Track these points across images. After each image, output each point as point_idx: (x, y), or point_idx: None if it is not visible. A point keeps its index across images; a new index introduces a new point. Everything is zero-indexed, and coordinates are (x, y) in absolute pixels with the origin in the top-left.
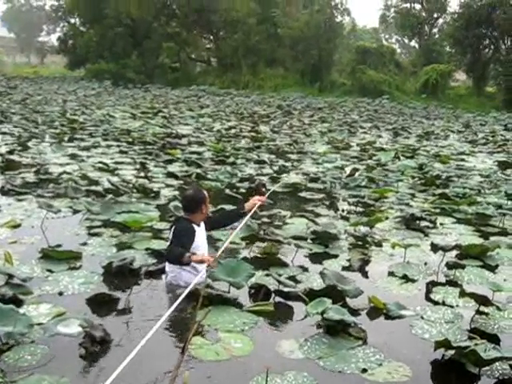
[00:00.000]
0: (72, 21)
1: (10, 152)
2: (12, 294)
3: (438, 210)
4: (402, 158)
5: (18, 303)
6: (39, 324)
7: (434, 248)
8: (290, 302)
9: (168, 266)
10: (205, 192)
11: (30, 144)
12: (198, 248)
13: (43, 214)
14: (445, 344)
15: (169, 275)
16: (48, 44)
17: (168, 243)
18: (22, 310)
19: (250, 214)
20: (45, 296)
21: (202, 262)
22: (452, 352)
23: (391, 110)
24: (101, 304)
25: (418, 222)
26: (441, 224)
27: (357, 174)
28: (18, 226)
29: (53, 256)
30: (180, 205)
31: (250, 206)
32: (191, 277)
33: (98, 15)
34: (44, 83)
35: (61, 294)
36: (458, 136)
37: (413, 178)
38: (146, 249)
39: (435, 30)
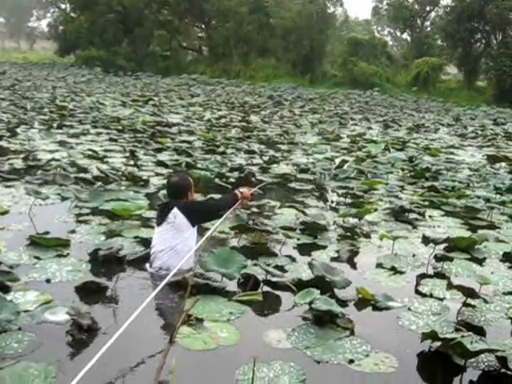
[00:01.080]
0: (62, 6)
1: None
2: None
3: (426, 203)
4: (392, 150)
5: (5, 290)
6: (26, 311)
7: (424, 240)
8: (278, 292)
9: (155, 254)
10: (190, 179)
11: (18, 130)
12: (188, 238)
13: (31, 201)
14: (431, 336)
15: (155, 263)
16: (38, 30)
17: (161, 227)
18: (8, 297)
19: (232, 208)
20: (32, 283)
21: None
22: (438, 344)
23: (382, 103)
24: (88, 292)
25: (406, 214)
26: (429, 216)
27: (346, 165)
28: (6, 212)
29: (40, 243)
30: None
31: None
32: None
33: (89, 1)
34: (33, 69)
35: (48, 281)
36: (448, 129)
37: (402, 170)
38: (135, 237)
39: (427, 23)
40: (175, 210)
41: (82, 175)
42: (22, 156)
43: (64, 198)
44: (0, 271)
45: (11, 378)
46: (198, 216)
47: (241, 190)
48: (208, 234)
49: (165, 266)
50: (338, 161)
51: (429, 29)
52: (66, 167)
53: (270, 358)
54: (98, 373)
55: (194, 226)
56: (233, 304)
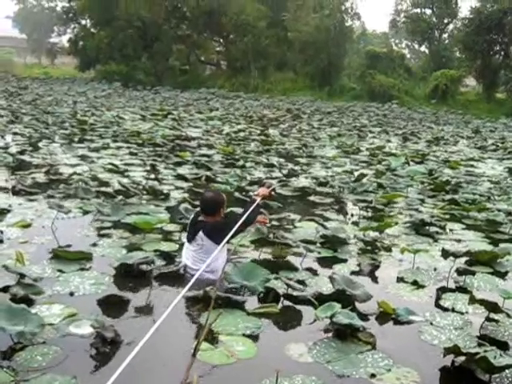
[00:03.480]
0: (83, 22)
1: (21, 152)
2: (23, 293)
3: (447, 216)
4: (411, 163)
5: (30, 303)
6: (50, 324)
7: (444, 254)
8: (298, 306)
9: (189, 272)
10: (224, 196)
11: (40, 144)
12: (218, 257)
13: (54, 215)
14: (454, 350)
15: (190, 272)
16: (59, 45)
17: (191, 245)
18: (33, 310)
19: (253, 207)
20: (56, 296)
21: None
22: (462, 358)
23: (400, 115)
24: (111, 305)
25: (427, 227)
26: (450, 230)
27: (365, 179)
28: (29, 226)
29: (63, 256)
30: (190, 207)
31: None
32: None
33: (108, 17)
34: (54, 84)
35: (72, 294)
36: (468, 142)
37: (422, 183)
38: (155, 250)
39: (445, 36)
40: (201, 234)
41: (103, 189)
42: (44, 170)
43: (86, 212)
44: (24, 284)
45: None
46: (223, 237)
47: (257, 191)
48: (231, 233)
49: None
50: (356, 174)
51: (447, 41)
52: (88, 181)
53: (292, 372)
54: None
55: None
56: (250, 318)
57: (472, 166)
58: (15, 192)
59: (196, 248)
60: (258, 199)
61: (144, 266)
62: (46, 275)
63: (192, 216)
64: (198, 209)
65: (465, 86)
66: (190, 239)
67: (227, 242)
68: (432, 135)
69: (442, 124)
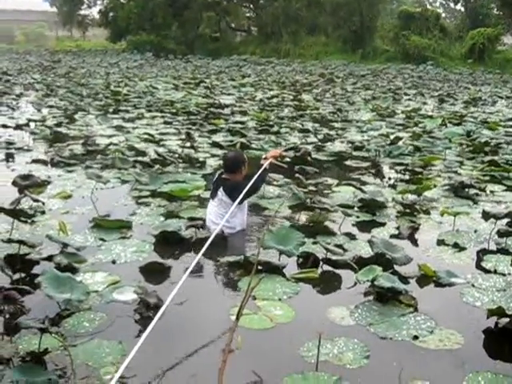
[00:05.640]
0: None
1: (58, 125)
2: (67, 262)
3: (487, 178)
4: (448, 125)
5: (74, 271)
6: (95, 291)
7: (485, 216)
8: (338, 270)
9: (210, 225)
10: (245, 155)
11: (76, 116)
12: (237, 213)
13: (92, 185)
14: (498, 312)
15: (212, 226)
16: (89, 17)
17: (213, 201)
18: (78, 278)
19: (263, 168)
20: (98, 264)
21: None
22: (506, 320)
23: (436, 77)
24: (153, 272)
25: (466, 189)
26: (491, 191)
27: (401, 142)
28: (70, 196)
29: (104, 225)
30: None
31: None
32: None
33: None
34: (86, 56)
35: (114, 262)
36: (507, 102)
37: (460, 145)
38: (191, 218)
39: None
40: (221, 190)
41: (139, 158)
42: (81, 142)
43: (124, 182)
44: (68, 253)
45: (84, 355)
46: (236, 195)
47: (266, 154)
48: (240, 196)
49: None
50: (392, 137)
51: None
52: (124, 151)
53: (334, 335)
54: (164, 349)
55: (239, 203)
56: (289, 283)
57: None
58: (54, 164)
59: (217, 203)
60: (266, 164)
61: (184, 233)
62: (88, 244)
63: (217, 174)
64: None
65: (503, 44)
66: (213, 195)
67: (240, 202)
68: (469, 96)
69: (480, 84)
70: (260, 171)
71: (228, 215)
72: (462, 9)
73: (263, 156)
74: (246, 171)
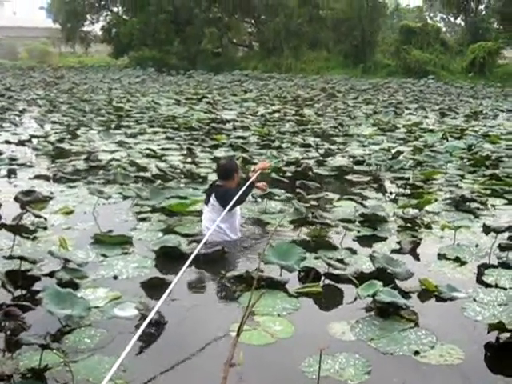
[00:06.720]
0: (115, 9)
1: (60, 140)
2: (69, 278)
3: (488, 192)
4: (449, 138)
5: (75, 287)
6: (96, 307)
7: (486, 230)
8: (339, 285)
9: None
10: (237, 162)
11: (78, 132)
12: (228, 219)
13: (95, 201)
14: (499, 327)
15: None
16: (92, 33)
17: (207, 207)
18: (79, 294)
19: (252, 179)
20: (100, 280)
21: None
22: (507, 335)
23: (437, 90)
24: (154, 287)
25: (468, 203)
26: (492, 205)
27: (402, 156)
28: (72, 212)
29: (105, 241)
30: None
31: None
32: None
33: (140, 3)
34: (89, 72)
35: (116, 277)
36: (508, 115)
37: (461, 158)
38: (184, 235)
39: (482, 7)
40: (213, 196)
41: (141, 174)
42: (83, 157)
43: (125, 197)
44: (69, 269)
45: (85, 371)
46: (224, 204)
47: (255, 167)
48: (227, 207)
49: (210, 240)
50: (393, 151)
51: (484, 12)
52: (126, 167)
53: (335, 350)
54: (164, 364)
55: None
56: (290, 299)
57: None
58: (56, 179)
59: (210, 209)
60: (253, 177)
61: (184, 248)
62: (90, 260)
63: (211, 182)
64: None
65: (503, 58)
66: (207, 201)
67: (230, 209)
68: (470, 110)
69: (481, 98)
70: (247, 184)
71: (218, 221)
72: (462, 23)
73: (251, 168)
74: (238, 178)
